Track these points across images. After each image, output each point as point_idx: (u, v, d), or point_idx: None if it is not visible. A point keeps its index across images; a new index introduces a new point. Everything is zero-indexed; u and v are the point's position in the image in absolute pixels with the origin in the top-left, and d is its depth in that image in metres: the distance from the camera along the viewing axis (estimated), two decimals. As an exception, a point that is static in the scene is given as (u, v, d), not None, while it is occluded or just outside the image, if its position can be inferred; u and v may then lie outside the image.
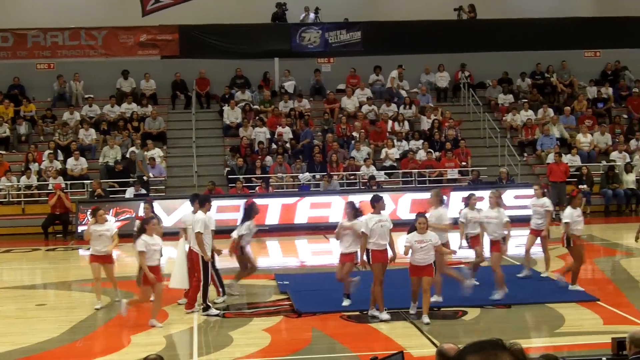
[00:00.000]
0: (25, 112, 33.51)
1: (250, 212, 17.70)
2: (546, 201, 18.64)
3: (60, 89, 34.74)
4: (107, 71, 34.61)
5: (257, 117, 33.27)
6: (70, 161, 30.65)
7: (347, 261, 15.96)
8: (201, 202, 16.64)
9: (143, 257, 14.91)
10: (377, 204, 15.33)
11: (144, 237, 15.02)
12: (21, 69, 34.75)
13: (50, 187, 29.46)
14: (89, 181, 29.97)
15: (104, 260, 16.93)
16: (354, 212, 15.95)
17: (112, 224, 17.16)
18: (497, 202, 17.23)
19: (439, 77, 36.33)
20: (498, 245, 16.78)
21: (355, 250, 15.73)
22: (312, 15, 35.73)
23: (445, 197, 17.40)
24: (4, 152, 31.51)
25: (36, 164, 30.58)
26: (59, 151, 31.41)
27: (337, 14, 35.75)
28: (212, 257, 16.41)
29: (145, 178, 29.88)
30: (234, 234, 17.38)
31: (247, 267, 17.90)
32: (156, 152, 31.34)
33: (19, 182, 30.04)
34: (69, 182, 29.88)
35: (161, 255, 15.73)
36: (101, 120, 33.39)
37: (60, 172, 30.12)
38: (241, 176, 29.81)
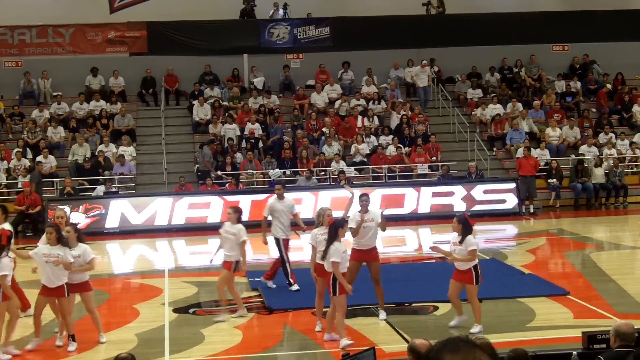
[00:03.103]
0: (-6, 110, 33.31)
1: None
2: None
3: (27, 86, 34.51)
4: (75, 68, 34.40)
5: (226, 114, 33.22)
6: (39, 159, 30.46)
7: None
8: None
9: (337, 266, 13.30)
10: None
11: (335, 244, 13.38)
12: (-12, 67, 34.52)
13: (19, 185, 29.28)
14: (58, 179, 29.82)
15: (56, 293, 13.85)
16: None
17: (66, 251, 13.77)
18: (236, 219, 15.51)
19: (407, 72, 36.37)
20: (228, 264, 15.43)
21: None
22: (280, 12, 35.69)
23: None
24: (-29, 150, 31.27)
25: (5, 162, 30.37)
26: (27, 149, 31.21)
27: (305, 9, 35.73)
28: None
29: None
30: None
31: None
32: (129, 150, 31.28)
33: (-13, 180, 29.87)
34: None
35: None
36: (70, 118, 33.21)
37: (29, 170, 29.95)
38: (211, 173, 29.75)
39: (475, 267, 13.94)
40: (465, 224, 14.01)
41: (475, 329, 13.80)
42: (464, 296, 14.16)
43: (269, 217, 17.92)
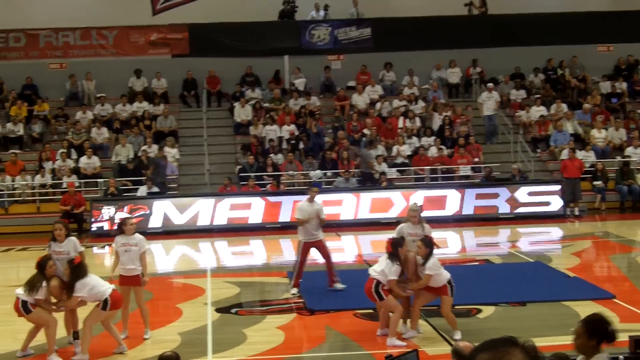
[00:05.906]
0: (39, 112, 33.58)
1: None
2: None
3: (72, 88, 34.84)
4: (118, 70, 34.67)
5: (267, 115, 33.27)
6: (83, 160, 30.72)
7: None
8: None
9: (394, 284, 13.51)
10: None
11: (394, 263, 13.65)
12: (34, 69, 34.80)
13: (64, 185, 29.54)
14: (102, 179, 30.08)
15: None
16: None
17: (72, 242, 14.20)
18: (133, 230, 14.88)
19: (450, 73, 36.19)
20: (127, 279, 14.59)
21: None
22: (321, 13, 35.70)
23: None
24: (18, 151, 31.64)
25: (50, 162, 30.67)
26: (72, 150, 31.49)
27: (347, 10, 35.70)
28: None
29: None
30: None
31: None
32: (173, 152, 31.42)
33: (33, 180, 30.17)
34: (82, 181, 30.01)
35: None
36: (113, 119, 33.45)
37: (73, 170, 30.24)
38: (252, 174, 29.80)
39: (449, 281, 13.72)
40: (430, 246, 13.71)
41: (458, 335, 13.51)
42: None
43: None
